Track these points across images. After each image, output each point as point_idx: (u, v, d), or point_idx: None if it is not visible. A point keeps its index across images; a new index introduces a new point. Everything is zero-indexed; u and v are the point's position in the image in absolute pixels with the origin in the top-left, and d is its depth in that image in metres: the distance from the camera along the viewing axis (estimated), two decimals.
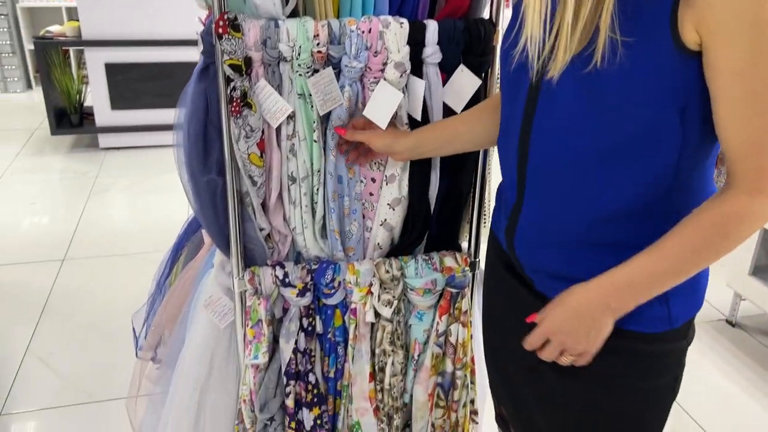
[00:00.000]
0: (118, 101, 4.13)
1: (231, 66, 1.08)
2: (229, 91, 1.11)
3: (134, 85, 4.11)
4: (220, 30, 1.06)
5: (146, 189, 3.72)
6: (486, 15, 1.23)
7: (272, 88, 1.14)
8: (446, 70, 1.21)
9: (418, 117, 1.21)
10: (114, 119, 4.17)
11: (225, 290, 1.31)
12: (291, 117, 1.16)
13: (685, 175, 0.83)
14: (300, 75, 1.13)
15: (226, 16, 1.06)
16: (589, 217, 0.86)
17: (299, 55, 1.10)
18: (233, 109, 1.11)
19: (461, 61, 1.21)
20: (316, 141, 1.18)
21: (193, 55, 4.44)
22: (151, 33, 3.98)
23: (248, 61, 1.10)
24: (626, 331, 0.88)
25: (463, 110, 1.23)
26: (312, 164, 1.20)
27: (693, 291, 0.91)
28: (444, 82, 1.22)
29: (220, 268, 1.33)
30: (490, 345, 1.17)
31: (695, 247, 0.80)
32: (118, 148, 4.26)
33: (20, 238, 3.10)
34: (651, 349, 0.91)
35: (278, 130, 1.18)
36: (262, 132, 1.16)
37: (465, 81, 1.21)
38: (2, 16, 5.35)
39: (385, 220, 1.27)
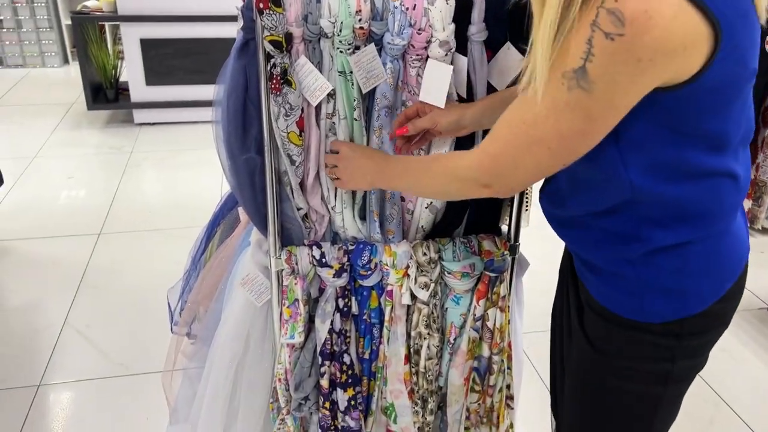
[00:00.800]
0: (152, 77, 4.15)
1: (271, 42, 1.06)
2: (269, 68, 1.09)
3: (169, 60, 4.13)
4: (261, 5, 1.04)
5: (179, 164, 3.74)
6: None
7: (312, 65, 1.11)
8: (491, 47, 1.17)
9: (464, 93, 1.18)
10: (148, 95, 4.20)
11: (262, 269, 1.30)
12: (331, 95, 1.14)
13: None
14: (341, 52, 1.10)
15: None
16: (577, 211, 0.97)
17: (340, 31, 1.08)
18: (273, 86, 1.09)
19: (507, 38, 1.17)
20: (356, 119, 1.16)
21: (227, 31, 4.45)
22: (186, 8, 3.97)
23: (289, 37, 1.08)
24: (610, 312, 0.96)
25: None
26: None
27: (676, 294, 0.91)
28: (489, 59, 1.18)
29: (257, 247, 1.32)
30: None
31: (419, 177, 1.05)
32: (152, 124, 4.29)
33: (58, 212, 3.15)
34: (627, 333, 0.96)
35: (318, 108, 1.16)
36: (302, 110, 1.13)
37: (510, 59, 1.17)
38: None
39: (431, 202, 1.25)
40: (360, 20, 1.07)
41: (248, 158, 1.17)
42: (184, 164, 3.74)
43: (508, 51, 1.17)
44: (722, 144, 0.83)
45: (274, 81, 1.08)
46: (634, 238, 0.89)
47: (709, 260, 0.91)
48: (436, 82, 1.12)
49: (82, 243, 2.86)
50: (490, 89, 1.20)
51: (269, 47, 1.07)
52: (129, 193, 3.37)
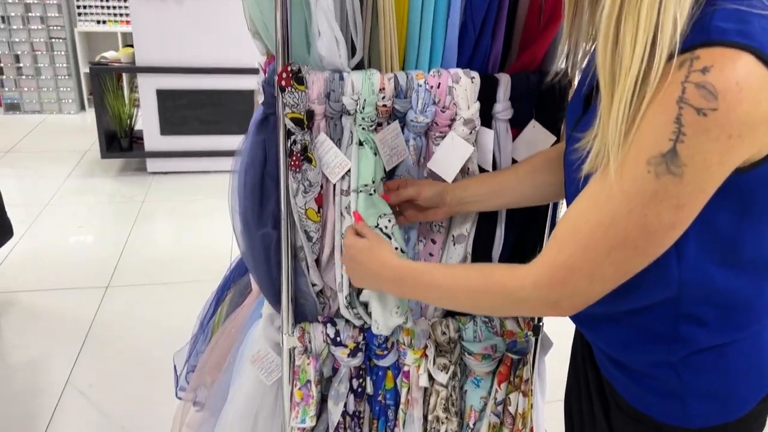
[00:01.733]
0: (167, 126, 4.18)
1: (292, 119, 1.04)
2: (289, 144, 1.06)
3: (183, 111, 4.16)
4: (284, 82, 1.02)
5: (191, 214, 3.73)
6: (561, 65, 1.16)
7: (332, 141, 1.09)
8: (517, 124, 1.14)
9: (489, 168, 1.14)
10: (162, 144, 4.22)
11: (273, 345, 1.25)
12: (348, 172, 1.10)
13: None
14: (363, 129, 1.07)
15: (290, 68, 1.01)
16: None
17: (363, 108, 1.05)
18: (293, 163, 1.06)
19: (533, 115, 1.14)
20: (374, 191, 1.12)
21: (240, 83, 4.49)
22: (202, 61, 4.03)
23: (310, 114, 1.05)
24: (642, 414, 0.88)
25: None
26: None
27: (718, 396, 0.85)
28: (514, 137, 1.15)
29: (268, 321, 1.27)
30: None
31: (454, 293, 0.89)
32: (165, 173, 4.29)
33: (66, 263, 3.11)
34: None
35: (333, 184, 1.13)
36: (321, 186, 1.10)
37: (537, 137, 1.14)
38: (60, 40, 5.52)
39: None
40: (383, 98, 1.05)
41: (264, 233, 1.13)
42: (195, 214, 3.73)
43: (534, 129, 1.15)
44: None
45: (295, 158, 1.05)
46: (673, 338, 0.84)
47: (751, 359, 0.86)
48: (451, 156, 1.09)
49: (89, 296, 2.81)
50: None
51: (290, 124, 1.04)
52: (139, 244, 3.34)
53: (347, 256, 1.04)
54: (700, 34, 0.65)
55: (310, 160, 1.06)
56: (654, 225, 0.69)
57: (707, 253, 0.77)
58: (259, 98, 1.10)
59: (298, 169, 1.06)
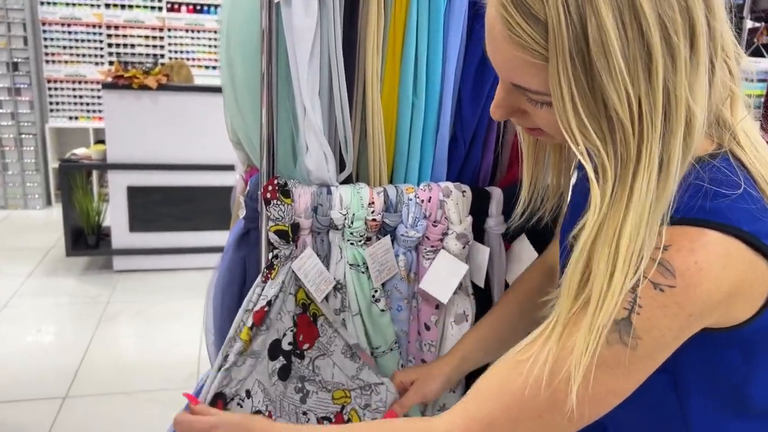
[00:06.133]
0: (136, 223, 4.09)
1: (277, 232, 0.98)
2: (270, 258, 1.00)
3: (155, 207, 4.09)
4: (269, 195, 0.97)
5: (157, 316, 3.57)
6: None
7: (318, 258, 1.02)
8: (509, 239, 1.10)
9: (482, 284, 1.09)
10: (131, 241, 4.11)
11: None
12: (339, 289, 1.04)
13: None
14: (351, 244, 1.02)
15: (276, 182, 0.97)
16: None
17: (352, 223, 1.00)
18: (267, 275, 0.99)
19: (523, 229, 1.10)
20: (383, 310, 1.05)
21: (215, 179, 4.45)
22: (175, 157, 4.00)
23: (296, 227, 1.00)
24: None
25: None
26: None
27: None
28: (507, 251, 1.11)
29: None
30: None
31: None
32: (133, 271, 4.16)
33: (21, 372, 2.91)
34: None
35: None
36: (269, 303, 1.01)
37: (524, 251, 1.10)
38: (30, 136, 5.48)
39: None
40: (373, 212, 1.00)
41: None
42: (161, 316, 3.57)
43: (522, 242, 1.11)
44: None
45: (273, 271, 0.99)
46: None
47: None
48: (444, 276, 1.04)
49: (45, 408, 2.61)
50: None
51: (274, 238, 0.98)
52: (101, 350, 3.16)
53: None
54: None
55: (272, 269, 1.00)
56: (596, 390, 0.64)
57: (712, 408, 0.72)
58: (241, 212, 1.05)
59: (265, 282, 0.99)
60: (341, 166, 1.02)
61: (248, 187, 1.06)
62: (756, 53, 2.54)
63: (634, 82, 0.58)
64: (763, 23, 2.52)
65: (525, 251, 1.12)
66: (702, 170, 0.65)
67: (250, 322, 0.97)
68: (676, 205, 0.63)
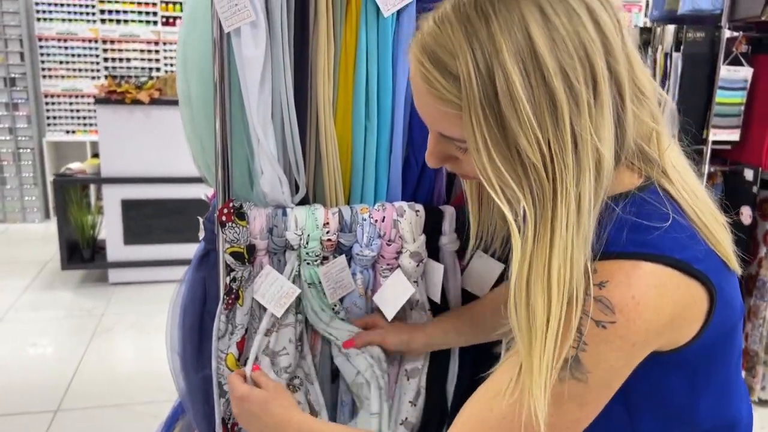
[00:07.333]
0: (131, 236, 4.13)
1: (232, 254, 1.01)
2: (228, 281, 1.02)
3: (149, 220, 4.13)
4: (224, 218, 1.00)
5: (151, 327, 3.60)
6: None
7: (277, 273, 1.05)
8: (464, 255, 1.13)
9: (438, 300, 1.12)
10: (126, 254, 4.14)
11: None
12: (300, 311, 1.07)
13: None
14: (308, 264, 1.05)
15: (231, 204, 1.00)
16: None
17: (307, 243, 1.03)
18: (229, 301, 1.02)
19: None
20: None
21: (208, 192, 4.47)
22: (169, 170, 4.04)
23: (251, 248, 1.03)
24: None
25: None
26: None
27: None
28: (463, 268, 1.13)
29: None
30: None
31: None
32: (128, 284, 4.19)
33: (12, 385, 2.94)
34: None
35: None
36: (245, 330, 1.05)
37: (486, 266, 1.13)
38: (29, 150, 5.53)
39: (406, 418, 1.14)
40: (328, 232, 1.03)
41: (204, 376, 1.07)
42: (155, 327, 3.59)
43: (481, 258, 1.13)
44: (729, 390, 0.76)
45: (232, 296, 1.02)
46: None
47: None
48: (393, 294, 1.07)
49: (35, 422, 2.64)
50: (465, 296, 1.15)
51: (230, 259, 1.01)
52: (94, 362, 3.19)
53: (241, 410, 0.94)
54: (597, 245, 0.66)
55: (238, 297, 1.02)
56: (557, 423, 0.68)
57: (667, 427, 0.75)
58: (200, 234, 1.08)
59: (230, 309, 1.02)
60: (297, 188, 1.04)
61: (210, 205, 1.09)
62: (735, 62, 2.56)
63: (542, 127, 0.61)
64: (741, 32, 2.54)
65: (488, 264, 1.14)
66: (631, 204, 0.68)
67: (235, 351, 1.02)
68: (609, 239, 0.66)
